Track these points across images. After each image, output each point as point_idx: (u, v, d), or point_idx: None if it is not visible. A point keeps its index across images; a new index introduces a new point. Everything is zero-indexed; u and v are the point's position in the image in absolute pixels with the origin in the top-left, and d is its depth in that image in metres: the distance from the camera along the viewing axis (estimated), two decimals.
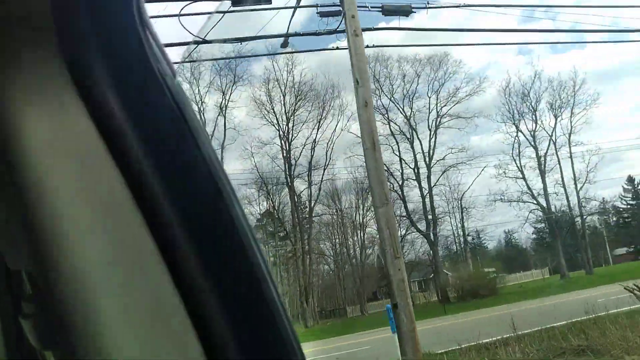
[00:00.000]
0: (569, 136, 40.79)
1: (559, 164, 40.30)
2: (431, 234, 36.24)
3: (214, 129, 37.99)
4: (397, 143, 38.56)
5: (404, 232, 38.22)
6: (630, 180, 65.13)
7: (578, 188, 40.71)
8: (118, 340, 0.42)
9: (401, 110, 39.06)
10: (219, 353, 0.42)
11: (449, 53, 40.53)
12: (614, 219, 68.25)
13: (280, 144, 39.60)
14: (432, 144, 38.27)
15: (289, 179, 38.41)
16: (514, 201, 40.00)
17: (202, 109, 36.95)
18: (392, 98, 39.20)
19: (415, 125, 39.21)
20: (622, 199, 65.13)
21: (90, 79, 0.42)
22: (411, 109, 39.33)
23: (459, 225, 41.56)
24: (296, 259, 36.59)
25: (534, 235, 57.07)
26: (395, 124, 39.22)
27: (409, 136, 39.03)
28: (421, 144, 38.73)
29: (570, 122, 41.07)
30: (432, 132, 38.58)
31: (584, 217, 43.16)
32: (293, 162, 39.19)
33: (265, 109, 40.17)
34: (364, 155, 7.51)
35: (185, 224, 0.42)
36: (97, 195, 0.44)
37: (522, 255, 65.77)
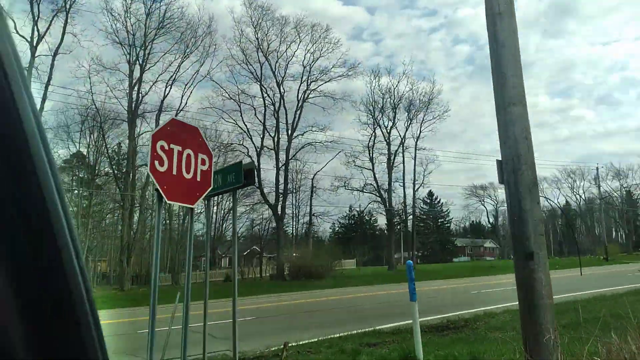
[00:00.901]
0: (416, 140, 43.09)
1: (403, 163, 42.55)
2: (279, 207, 34.27)
3: (47, 30, 29.52)
4: (265, 107, 35.74)
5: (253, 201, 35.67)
6: (430, 194, 74.22)
7: (415, 189, 43.78)
8: None
9: (273, 70, 36.16)
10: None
11: (330, 28, 39.00)
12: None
13: (128, 71, 32.98)
14: (297, 115, 36.26)
15: (130, 115, 32.18)
16: (356, 190, 40.88)
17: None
18: (266, 56, 36.04)
19: (284, 92, 36.74)
20: (420, 208, 73.88)
21: None
22: (284, 73, 36.79)
23: (308, 203, 40.85)
24: (123, 210, 30.69)
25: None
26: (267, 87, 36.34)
27: (275, 102, 36.42)
28: (286, 113, 36.42)
29: (420, 128, 43.42)
30: (299, 104, 36.57)
31: (408, 216, 46.60)
32: (140, 96, 33.08)
33: (119, 21, 33.07)
34: None
35: None
36: None
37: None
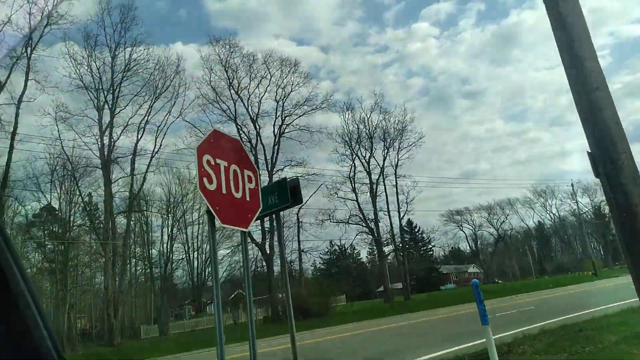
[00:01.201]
0: (395, 168, 42.99)
1: (385, 192, 42.24)
2: (267, 246, 33.14)
3: (7, 78, 28.34)
4: (243, 142, 35.01)
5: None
6: (409, 222, 74.17)
7: (400, 217, 43.37)
8: None
9: (246, 107, 35.84)
10: None
11: (299, 62, 39.37)
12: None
13: (98, 116, 31.95)
14: (275, 150, 35.73)
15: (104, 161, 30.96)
16: (342, 222, 40.16)
17: None
18: (238, 93, 35.71)
19: (259, 128, 36.32)
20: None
21: None
22: (258, 109, 36.46)
23: (294, 239, 39.72)
24: (105, 260, 28.89)
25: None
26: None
27: (252, 138, 35.94)
28: (264, 150, 35.86)
29: (397, 156, 43.44)
30: (276, 139, 36.10)
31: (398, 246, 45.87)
32: (112, 141, 31.96)
33: (83, 66, 32.28)
34: None
35: None
36: None
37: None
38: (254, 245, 34.00)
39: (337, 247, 78.87)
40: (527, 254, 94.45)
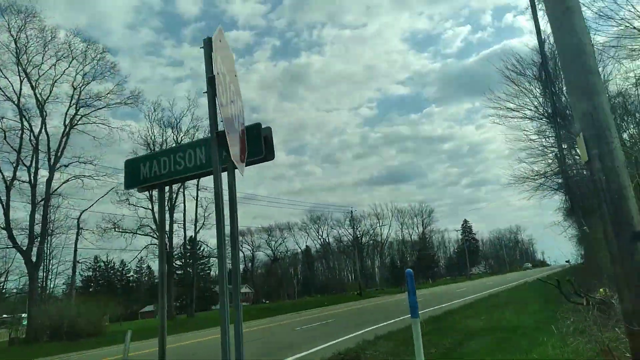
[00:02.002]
0: (197, 180, 40.46)
1: (184, 203, 39.55)
2: (35, 253, 27.14)
3: None
4: (23, 130, 28.66)
5: None
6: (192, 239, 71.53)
7: (196, 230, 40.91)
8: None
9: (34, 88, 29.61)
10: None
11: (107, 51, 34.90)
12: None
13: None
14: (62, 143, 30.16)
15: None
16: (129, 232, 35.83)
17: None
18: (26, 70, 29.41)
19: (46, 115, 30.36)
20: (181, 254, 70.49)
21: None
22: (50, 92, 30.52)
23: (68, 249, 33.43)
24: None
25: None
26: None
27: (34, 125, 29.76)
28: (48, 139, 29.97)
29: None
30: (66, 130, 30.57)
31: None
32: None
33: None
34: None
35: None
36: None
37: None
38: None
39: (102, 263, 71.14)
40: (296, 276, 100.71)
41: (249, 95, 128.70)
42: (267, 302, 79.82)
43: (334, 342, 11.59)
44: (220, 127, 3.29)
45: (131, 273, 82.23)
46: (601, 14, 13.43)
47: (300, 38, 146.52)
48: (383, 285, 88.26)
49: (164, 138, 39.60)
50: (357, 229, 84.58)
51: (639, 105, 18.02)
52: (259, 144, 3.98)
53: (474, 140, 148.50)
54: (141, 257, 48.80)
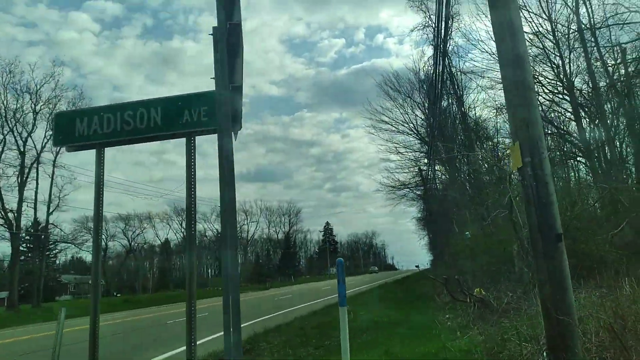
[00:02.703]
0: (55, 155, 36.13)
1: (37, 181, 34.76)
2: None
3: None
4: None
5: None
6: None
7: (49, 211, 36.16)
8: None
9: None
10: None
11: None
12: None
13: None
14: None
15: None
16: None
17: None
18: None
19: None
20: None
21: None
22: None
23: None
24: None
25: None
26: None
27: None
28: None
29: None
30: None
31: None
32: None
33: None
34: None
35: None
36: None
37: None
38: None
39: None
40: (152, 269, 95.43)
41: (113, 71, 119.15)
42: (118, 295, 74.36)
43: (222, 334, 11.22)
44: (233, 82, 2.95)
45: None
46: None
47: (175, 21, 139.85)
48: (247, 281, 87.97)
49: (19, 105, 34.81)
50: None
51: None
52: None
53: (339, 148, 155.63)
54: None
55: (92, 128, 4.00)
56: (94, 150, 4.12)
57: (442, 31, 11.65)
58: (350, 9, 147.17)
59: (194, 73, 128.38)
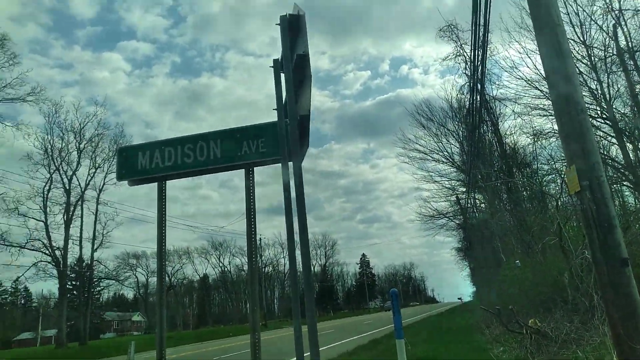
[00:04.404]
0: (99, 192, 37.61)
1: (82, 218, 36.10)
2: None
3: None
4: None
5: None
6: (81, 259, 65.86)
7: (94, 247, 37.38)
8: None
9: None
10: None
11: (9, 39, 31.69)
12: None
13: None
14: None
15: None
16: (15, 245, 31.66)
17: None
18: None
19: None
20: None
21: None
22: None
23: None
24: None
25: None
26: None
27: None
28: None
29: (104, 178, 38.21)
30: None
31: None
32: None
33: None
34: None
35: None
36: None
37: None
38: None
39: None
40: (192, 304, 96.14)
41: (144, 109, 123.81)
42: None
43: None
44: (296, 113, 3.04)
45: (6, 295, 73.09)
46: None
47: (202, 58, 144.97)
48: (284, 316, 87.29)
49: (64, 144, 36.55)
50: (261, 257, 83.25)
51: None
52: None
53: (368, 178, 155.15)
54: (17, 277, 43.57)
55: (154, 162, 4.16)
56: (155, 183, 4.28)
57: (479, 60, 11.66)
58: (373, 41, 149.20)
59: (220, 108, 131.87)
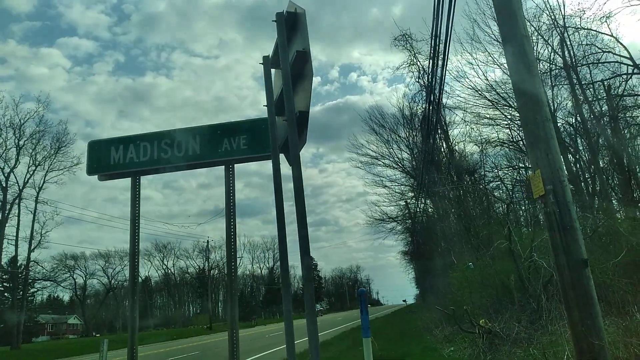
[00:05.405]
0: (38, 190, 35.45)
1: (18, 217, 33.92)
2: None
3: None
4: None
5: None
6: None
7: (31, 247, 35.15)
8: None
9: None
10: None
11: None
12: None
13: None
14: None
15: None
16: None
17: None
18: None
19: None
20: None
21: None
22: None
23: None
24: None
25: None
26: None
27: None
28: None
29: (45, 176, 36.07)
30: None
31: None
32: None
33: None
34: None
35: None
36: None
37: None
38: None
39: None
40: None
41: (84, 107, 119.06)
42: (98, 335, 71.77)
43: None
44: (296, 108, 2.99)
45: None
46: None
47: (147, 57, 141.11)
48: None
49: (1, 141, 34.34)
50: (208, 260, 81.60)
51: None
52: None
53: (317, 183, 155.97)
54: None
55: (128, 157, 3.98)
56: (128, 178, 4.09)
57: (435, 69, 12.00)
58: (323, 48, 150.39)
59: (165, 108, 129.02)
